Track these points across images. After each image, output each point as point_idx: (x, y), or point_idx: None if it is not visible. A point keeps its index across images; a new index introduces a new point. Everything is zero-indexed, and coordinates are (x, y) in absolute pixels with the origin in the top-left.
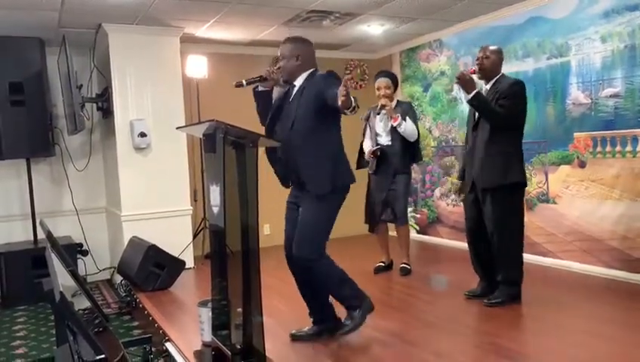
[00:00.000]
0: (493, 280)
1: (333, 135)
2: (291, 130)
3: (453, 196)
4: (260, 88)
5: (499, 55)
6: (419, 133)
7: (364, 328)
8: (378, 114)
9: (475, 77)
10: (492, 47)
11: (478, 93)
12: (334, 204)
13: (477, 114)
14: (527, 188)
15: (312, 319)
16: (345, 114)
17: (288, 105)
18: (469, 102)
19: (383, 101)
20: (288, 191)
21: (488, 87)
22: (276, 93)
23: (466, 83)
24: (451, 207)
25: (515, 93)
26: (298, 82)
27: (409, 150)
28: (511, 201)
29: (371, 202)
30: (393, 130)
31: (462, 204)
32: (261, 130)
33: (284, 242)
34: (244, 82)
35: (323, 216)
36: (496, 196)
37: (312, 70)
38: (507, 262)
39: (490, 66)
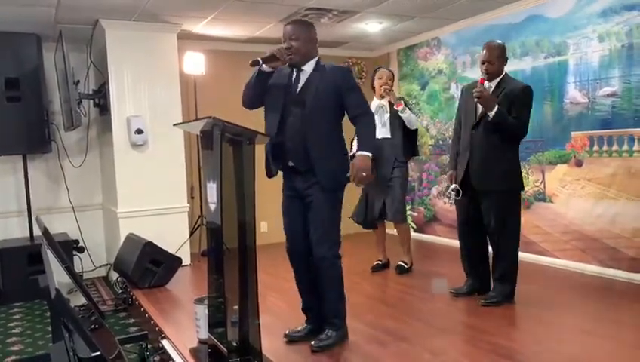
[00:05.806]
0: (481, 277)
1: (342, 129)
2: (306, 119)
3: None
4: (267, 68)
5: (502, 55)
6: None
7: (360, 326)
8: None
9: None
10: (496, 51)
11: (500, 111)
12: (341, 199)
13: (479, 112)
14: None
15: (305, 317)
16: None
17: (298, 91)
18: (492, 120)
19: (385, 86)
20: (286, 188)
21: (492, 85)
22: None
23: (487, 101)
24: (448, 205)
25: (529, 102)
26: (307, 68)
27: (409, 141)
28: (511, 204)
29: (370, 200)
30: (392, 122)
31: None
32: (258, 127)
33: (287, 236)
34: (260, 60)
35: (336, 212)
36: (497, 199)
37: (318, 57)
38: (505, 261)
39: (495, 71)
